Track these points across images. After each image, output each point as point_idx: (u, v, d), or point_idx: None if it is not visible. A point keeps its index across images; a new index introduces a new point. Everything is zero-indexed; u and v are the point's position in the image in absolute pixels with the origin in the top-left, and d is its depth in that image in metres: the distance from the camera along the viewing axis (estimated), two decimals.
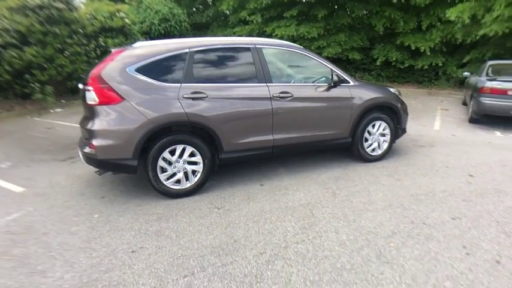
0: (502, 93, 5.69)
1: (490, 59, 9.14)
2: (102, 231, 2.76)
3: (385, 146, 4.43)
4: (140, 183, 3.69)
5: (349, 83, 4.06)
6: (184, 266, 2.28)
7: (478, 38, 8.74)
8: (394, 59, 12.21)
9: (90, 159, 3.21)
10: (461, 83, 11.12)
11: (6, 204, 3.28)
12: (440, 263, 2.28)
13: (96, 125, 3.07)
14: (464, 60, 10.38)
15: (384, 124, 4.32)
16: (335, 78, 3.88)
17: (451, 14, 8.63)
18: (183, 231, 2.73)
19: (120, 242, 2.58)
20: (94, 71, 3.09)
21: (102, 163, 3.15)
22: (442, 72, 11.58)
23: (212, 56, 3.50)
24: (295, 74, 3.96)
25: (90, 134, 3.12)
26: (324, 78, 3.98)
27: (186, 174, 3.35)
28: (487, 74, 6.39)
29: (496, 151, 4.83)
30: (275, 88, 3.62)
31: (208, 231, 2.74)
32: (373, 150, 4.37)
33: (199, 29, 16.39)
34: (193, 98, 3.26)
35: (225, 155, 3.49)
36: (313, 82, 3.95)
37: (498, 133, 5.85)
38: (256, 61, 3.60)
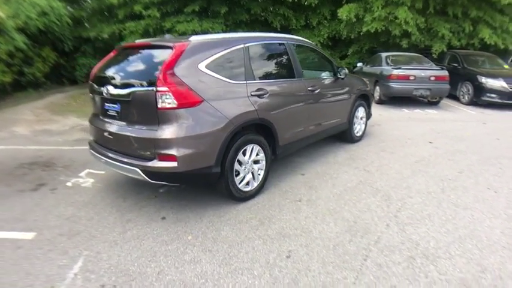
0: (405, 78, 7.59)
1: (369, 51, 11.63)
2: (224, 249, 2.47)
3: (363, 127, 5.33)
4: (185, 194, 3.32)
5: (346, 76, 4.68)
6: (349, 252, 2.41)
7: (361, 33, 10.96)
8: None
9: (162, 175, 2.70)
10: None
11: (41, 257, 2.37)
12: (489, 200, 3.21)
13: (175, 132, 2.62)
14: (348, 53, 12.76)
15: (363, 109, 5.19)
16: (345, 71, 4.42)
17: (342, 13, 10.50)
18: (302, 227, 2.76)
19: (261, 253, 2.41)
20: (164, 69, 2.59)
21: (184, 176, 2.71)
22: None
23: (261, 51, 3.46)
24: (313, 68, 4.28)
25: (164, 144, 2.63)
26: (329, 72, 4.46)
27: (252, 174, 3.25)
28: (388, 64, 8.26)
29: (421, 123, 6.50)
30: (307, 82, 3.87)
31: (320, 221, 2.86)
32: (357, 132, 5.19)
33: (78, 25, 13.82)
34: (258, 96, 3.18)
35: (279, 150, 3.54)
36: (325, 75, 4.37)
37: (406, 110, 7.77)
38: (291, 56, 3.75)
